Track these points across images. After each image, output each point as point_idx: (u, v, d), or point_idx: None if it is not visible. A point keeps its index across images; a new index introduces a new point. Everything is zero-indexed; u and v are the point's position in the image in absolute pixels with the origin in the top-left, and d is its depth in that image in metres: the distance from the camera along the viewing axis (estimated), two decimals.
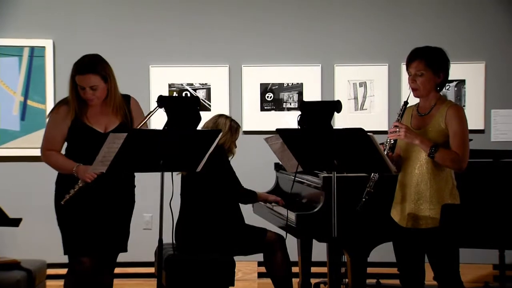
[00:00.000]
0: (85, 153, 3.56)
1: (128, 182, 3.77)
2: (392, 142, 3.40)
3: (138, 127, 3.62)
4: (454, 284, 3.38)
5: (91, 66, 3.61)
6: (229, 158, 4.40)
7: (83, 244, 3.61)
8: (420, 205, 3.38)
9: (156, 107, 3.58)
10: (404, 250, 3.49)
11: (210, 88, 5.77)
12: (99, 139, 3.48)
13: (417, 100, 3.55)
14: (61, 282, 3.75)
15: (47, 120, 3.73)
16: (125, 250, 3.80)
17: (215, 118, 4.42)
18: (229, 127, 4.37)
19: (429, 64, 3.38)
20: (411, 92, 3.45)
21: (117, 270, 5.65)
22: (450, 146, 3.34)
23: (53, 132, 3.66)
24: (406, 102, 3.45)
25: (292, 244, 4.58)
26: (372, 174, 3.43)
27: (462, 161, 3.31)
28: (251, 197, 4.43)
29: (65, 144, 3.74)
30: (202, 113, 3.55)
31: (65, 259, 3.77)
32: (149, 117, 3.62)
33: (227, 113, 5.50)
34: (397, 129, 3.35)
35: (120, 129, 3.61)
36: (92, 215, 3.61)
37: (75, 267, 3.64)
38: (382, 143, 3.45)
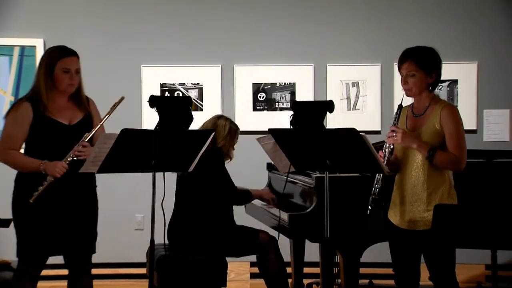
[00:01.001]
0: (49, 147, 3.52)
1: (89, 182, 3.70)
2: (392, 147, 3.41)
3: (103, 120, 3.59)
4: (450, 284, 3.39)
5: (73, 50, 3.65)
6: (227, 162, 4.38)
7: (43, 246, 3.54)
8: (418, 207, 3.39)
9: (120, 99, 3.59)
10: (400, 251, 3.49)
11: (202, 88, 5.77)
12: (64, 132, 3.50)
13: (411, 100, 3.56)
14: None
15: (6, 118, 3.63)
16: (93, 251, 3.71)
17: (215, 119, 4.36)
18: (229, 129, 4.31)
19: (421, 65, 3.39)
20: (404, 95, 3.46)
21: (109, 271, 5.72)
22: (446, 147, 3.35)
23: (15, 130, 3.57)
24: (400, 106, 3.46)
25: (284, 245, 4.59)
26: (376, 178, 3.42)
27: (460, 162, 3.33)
28: (246, 197, 4.40)
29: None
30: (194, 113, 3.55)
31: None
32: (113, 110, 3.60)
33: (219, 113, 5.49)
34: (394, 134, 3.37)
35: (85, 122, 3.61)
36: (53, 216, 3.53)
37: (29, 268, 3.57)
38: (381, 147, 3.46)
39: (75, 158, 3.47)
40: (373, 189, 3.41)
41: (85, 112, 3.65)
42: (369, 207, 3.41)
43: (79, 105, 3.64)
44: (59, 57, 3.58)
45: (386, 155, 3.39)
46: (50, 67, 3.57)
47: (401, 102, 3.47)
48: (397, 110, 3.46)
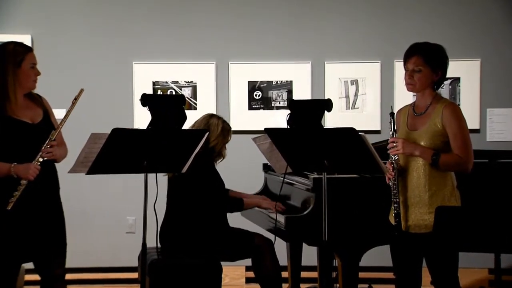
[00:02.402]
0: (15, 149, 3.44)
1: (52, 185, 3.61)
2: (397, 157, 3.42)
3: (67, 117, 3.50)
4: None
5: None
6: (219, 161, 4.37)
7: (8, 253, 3.45)
8: (420, 209, 3.40)
9: (79, 92, 3.54)
10: (401, 254, 3.50)
11: (196, 86, 5.77)
12: (29, 131, 3.45)
13: (410, 98, 3.57)
14: None
15: None
16: (62, 254, 3.62)
17: (207, 119, 4.36)
18: (221, 128, 4.31)
19: (428, 61, 3.41)
20: (395, 107, 3.48)
21: (99, 276, 5.72)
22: (450, 148, 3.35)
23: None
24: (392, 113, 3.48)
25: (281, 248, 4.59)
26: (392, 186, 3.42)
27: (467, 163, 3.34)
28: (236, 206, 4.38)
29: None
30: (188, 112, 3.55)
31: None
32: (74, 105, 3.54)
33: (213, 112, 5.49)
34: (395, 144, 3.38)
35: (46, 120, 3.55)
36: (17, 221, 3.43)
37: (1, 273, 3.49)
38: (381, 148, 3.47)
39: (45, 159, 3.42)
40: (393, 197, 3.42)
41: (43, 109, 3.60)
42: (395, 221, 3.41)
43: (35, 103, 3.59)
44: (26, 51, 3.53)
45: (395, 166, 3.40)
46: (19, 63, 3.49)
47: (392, 109, 3.49)
48: (390, 119, 3.47)
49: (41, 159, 3.40)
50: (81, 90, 3.57)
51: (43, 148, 3.42)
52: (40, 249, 3.52)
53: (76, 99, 3.56)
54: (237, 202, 4.37)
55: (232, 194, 4.55)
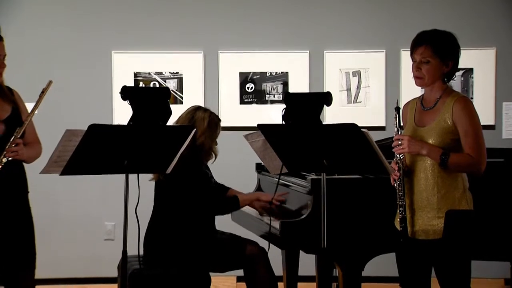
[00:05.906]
0: None
1: (20, 187, 3.63)
2: (403, 156, 3.43)
3: (33, 112, 3.52)
4: None
5: None
6: (212, 161, 4.33)
7: None
8: (428, 213, 3.41)
9: (48, 84, 3.55)
10: (408, 263, 3.52)
11: (182, 77, 5.78)
12: None
13: (418, 91, 3.58)
14: None
15: None
16: (31, 265, 3.63)
17: (191, 113, 4.32)
18: (208, 122, 4.27)
19: (437, 51, 3.41)
20: (401, 101, 3.48)
21: (75, 287, 5.70)
22: (461, 146, 3.37)
23: None
24: (397, 108, 3.49)
25: (276, 256, 4.60)
26: (398, 188, 3.44)
27: (479, 163, 3.35)
28: (233, 204, 4.34)
29: None
30: (173, 107, 3.56)
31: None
32: (42, 98, 3.55)
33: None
34: (400, 142, 3.39)
35: (14, 115, 3.57)
36: None
37: None
38: (384, 147, 3.48)
39: (10, 159, 3.44)
40: (399, 201, 3.43)
41: (12, 104, 3.62)
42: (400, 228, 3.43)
43: (3, 97, 3.60)
44: None
45: (400, 166, 3.41)
46: None
47: (397, 103, 3.50)
48: (396, 114, 3.48)
49: (5, 159, 3.41)
50: (50, 82, 3.58)
51: (7, 147, 3.42)
52: (5, 259, 3.52)
53: (43, 92, 3.57)
54: (232, 201, 4.31)
55: (232, 193, 4.52)
